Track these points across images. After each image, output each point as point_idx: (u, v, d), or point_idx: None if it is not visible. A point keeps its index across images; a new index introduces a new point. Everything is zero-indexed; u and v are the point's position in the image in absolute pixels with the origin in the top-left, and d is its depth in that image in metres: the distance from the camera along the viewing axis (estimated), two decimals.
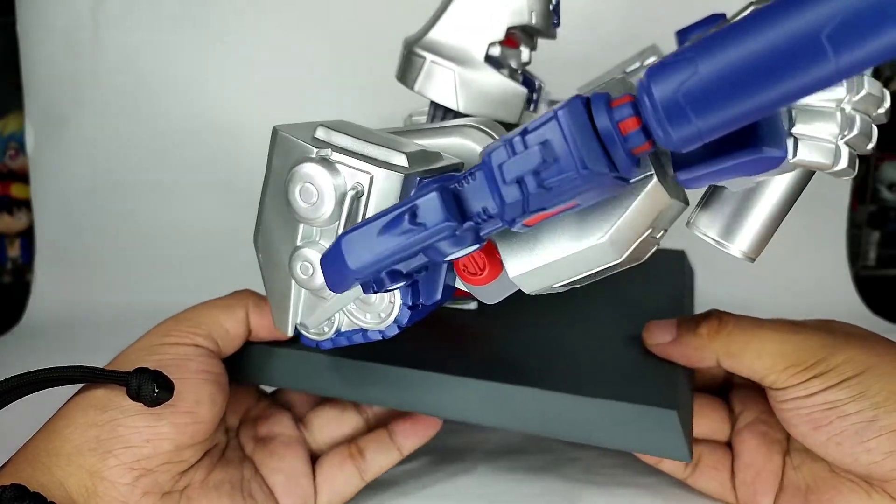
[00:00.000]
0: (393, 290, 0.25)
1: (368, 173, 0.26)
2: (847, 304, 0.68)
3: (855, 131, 0.22)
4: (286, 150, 0.27)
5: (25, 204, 0.80)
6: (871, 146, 0.23)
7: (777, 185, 0.25)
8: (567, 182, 0.19)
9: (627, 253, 0.23)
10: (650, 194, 0.22)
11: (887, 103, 0.23)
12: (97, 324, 0.69)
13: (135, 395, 0.28)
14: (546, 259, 0.24)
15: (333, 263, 0.23)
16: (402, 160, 0.26)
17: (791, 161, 0.22)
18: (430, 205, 0.21)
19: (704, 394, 0.36)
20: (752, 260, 0.26)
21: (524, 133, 0.19)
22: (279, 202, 0.28)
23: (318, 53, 0.72)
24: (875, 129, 0.23)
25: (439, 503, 0.36)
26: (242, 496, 0.31)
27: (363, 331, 0.30)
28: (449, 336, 0.36)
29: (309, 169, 0.26)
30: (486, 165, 0.20)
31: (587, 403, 0.30)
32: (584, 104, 0.19)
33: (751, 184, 0.24)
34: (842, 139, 0.22)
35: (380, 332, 0.30)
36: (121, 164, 0.74)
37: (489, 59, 0.32)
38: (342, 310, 0.30)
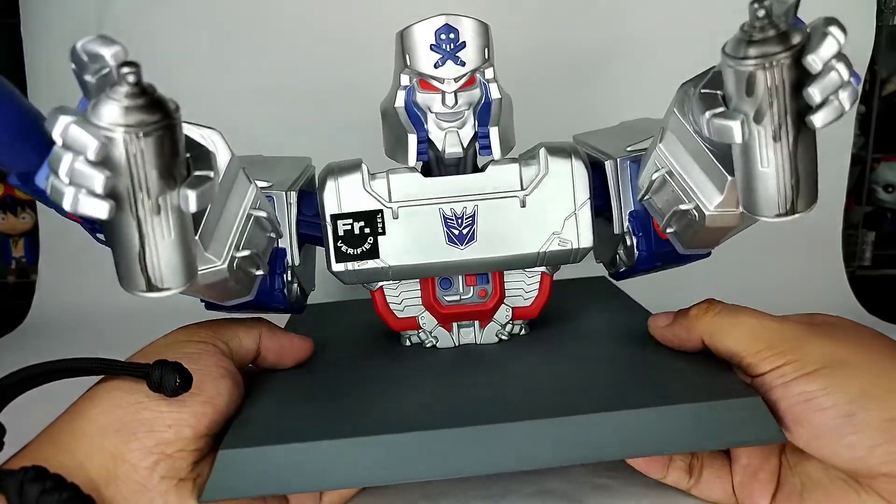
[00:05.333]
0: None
1: None
2: (843, 304, 0.68)
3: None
4: None
5: (30, 204, 0.80)
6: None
7: None
8: None
9: None
10: None
11: None
12: (101, 323, 0.69)
13: (156, 386, 0.29)
14: None
15: None
16: None
17: None
18: None
19: None
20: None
21: None
22: None
23: (323, 57, 0.72)
24: None
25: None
26: None
27: None
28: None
29: None
30: None
31: (673, 412, 0.30)
32: None
33: None
34: None
35: None
36: None
37: None
38: None
